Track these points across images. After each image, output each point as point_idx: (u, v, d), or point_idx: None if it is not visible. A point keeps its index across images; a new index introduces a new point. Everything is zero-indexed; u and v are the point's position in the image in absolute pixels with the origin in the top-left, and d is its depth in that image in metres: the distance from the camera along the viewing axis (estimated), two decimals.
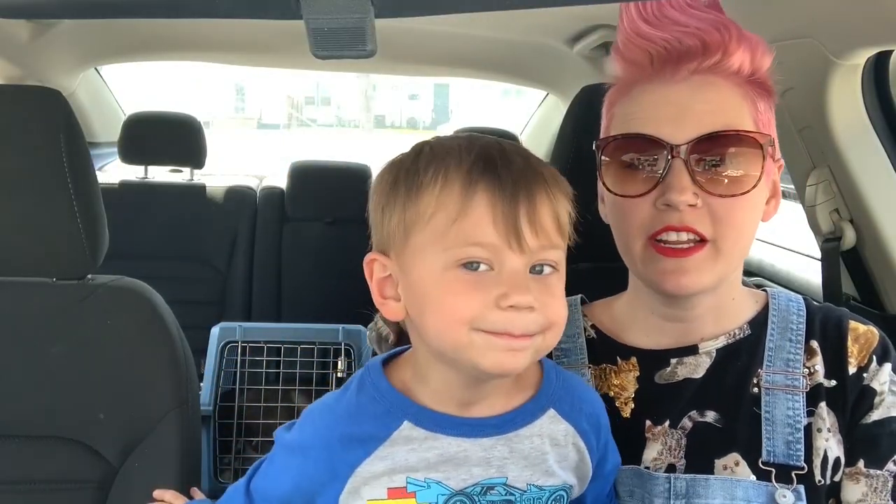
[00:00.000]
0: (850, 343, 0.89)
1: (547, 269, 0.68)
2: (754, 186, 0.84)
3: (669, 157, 0.82)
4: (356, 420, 0.72)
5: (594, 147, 0.91)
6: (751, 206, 0.85)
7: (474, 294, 0.65)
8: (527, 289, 0.65)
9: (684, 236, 0.82)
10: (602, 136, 0.93)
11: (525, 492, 0.72)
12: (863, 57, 1.29)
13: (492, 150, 0.68)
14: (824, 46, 1.25)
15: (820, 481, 0.85)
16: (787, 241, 2.01)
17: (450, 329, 0.66)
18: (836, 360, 0.89)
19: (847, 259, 1.45)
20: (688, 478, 0.85)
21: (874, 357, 0.88)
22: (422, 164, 0.68)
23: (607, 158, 0.88)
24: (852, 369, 0.88)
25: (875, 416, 0.87)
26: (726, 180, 0.83)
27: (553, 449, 0.75)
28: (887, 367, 0.88)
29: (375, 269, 0.72)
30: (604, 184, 0.89)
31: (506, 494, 0.71)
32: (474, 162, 0.66)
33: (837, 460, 0.86)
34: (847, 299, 1.48)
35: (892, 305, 1.41)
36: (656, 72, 0.85)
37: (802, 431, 0.85)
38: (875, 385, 0.87)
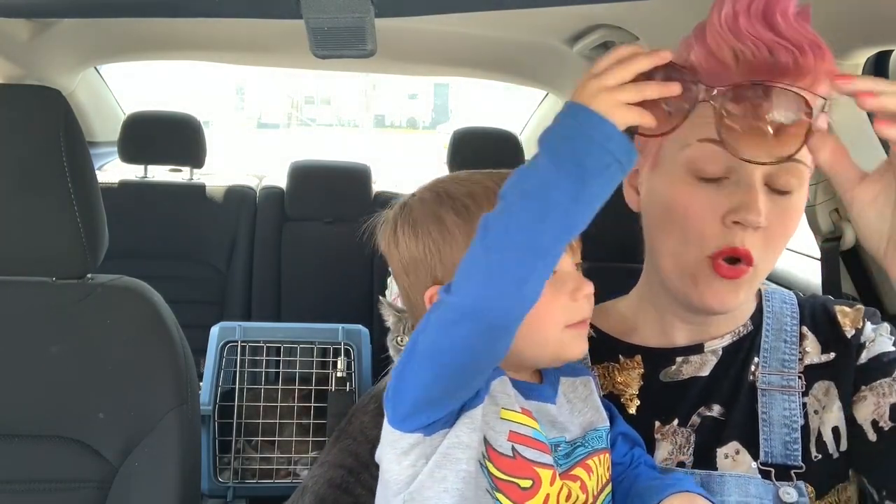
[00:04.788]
0: (840, 318, 0.92)
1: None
2: (800, 218, 0.85)
3: (745, 174, 0.80)
4: None
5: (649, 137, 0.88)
6: (794, 232, 0.86)
7: (559, 296, 0.75)
8: (588, 282, 0.77)
9: (740, 260, 0.82)
10: None
11: (585, 437, 0.78)
12: (863, 57, 1.29)
13: None
14: None
15: (816, 456, 0.86)
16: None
17: (546, 331, 0.75)
18: (829, 334, 0.91)
19: (847, 259, 1.45)
20: (702, 473, 0.85)
21: (865, 320, 0.91)
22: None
23: (663, 158, 0.86)
24: (849, 333, 0.90)
25: (864, 357, 0.89)
26: (787, 210, 0.83)
27: (583, 403, 0.82)
28: (870, 325, 0.91)
29: None
30: (656, 184, 0.87)
31: (571, 447, 0.77)
32: None
33: (836, 429, 0.87)
34: (847, 299, 1.48)
35: (891, 305, 1.41)
36: (742, 77, 0.80)
37: (799, 431, 0.86)
38: (863, 340, 0.90)
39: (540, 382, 0.80)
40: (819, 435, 0.87)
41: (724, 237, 0.81)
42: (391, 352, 2.08)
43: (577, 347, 0.76)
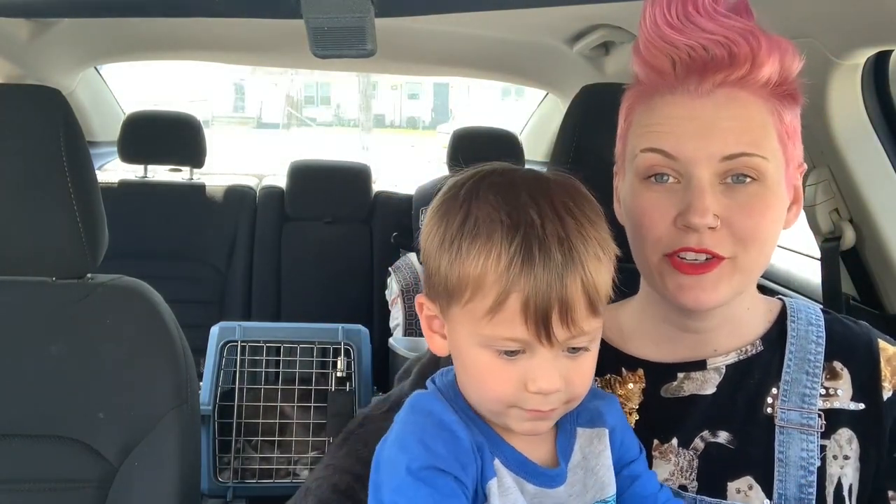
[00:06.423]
0: (882, 365, 0.86)
1: (580, 350, 0.71)
2: (778, 207, 0.82)
3: (691, 177, 0.79)
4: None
5: (615, 153, 0.89)
6: (772, 222, 0.82)
7: (510, 378, 0.69)
8: (554, 375, 0.69)
9: (702, 257, 0.80)
10: (619, 139, 0.90)
11: None
12: (863, 57, 1.29)
13: (532, 241, 0.67)
14: (824, 46, 1.25)
15: None
16: (786, 241, 2.01)
17: (488, 403, 0.71)
18: (867, 382, 0.85)
19: (846, 259, 1.45)
20: (713, 502, 0.83)
21: None
22: (466, 237, 0.68)
23: (626, 169, 0.86)
24: (887, 393, 0.85)
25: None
26: (749, 202, 0.80)
27: (597, 460, 0.77)
28: None
29: (424, 308, 0.75)
30: (623, 193, 0.87)
31: None
32: (513, 257, 0.66)
33: (851, 487, 0.83)
34: (847, 299, 1.48)
35: (891, 305, 1.41)
36: (679, 81, 0.81)
37: (815, 474, 0.83)
38: None
39: (554, 466, 0.74)
40: (839, 486, 0.83)
41: (679, 239, 0.80)
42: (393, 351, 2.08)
43: (519, 427, 0.71)
